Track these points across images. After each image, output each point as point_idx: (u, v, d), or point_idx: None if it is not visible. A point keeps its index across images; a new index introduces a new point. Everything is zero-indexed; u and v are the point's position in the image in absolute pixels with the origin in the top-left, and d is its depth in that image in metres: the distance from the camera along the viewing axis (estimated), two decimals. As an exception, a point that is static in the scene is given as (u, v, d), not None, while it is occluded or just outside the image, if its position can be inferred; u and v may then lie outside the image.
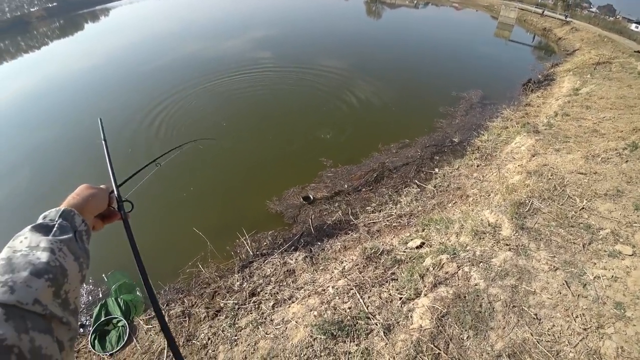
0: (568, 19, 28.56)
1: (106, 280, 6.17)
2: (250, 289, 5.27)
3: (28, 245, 0.82)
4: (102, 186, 1.23)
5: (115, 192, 1.32)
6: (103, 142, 1.69)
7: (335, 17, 24.63)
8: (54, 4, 34.03)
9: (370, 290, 4.14)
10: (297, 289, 4.90)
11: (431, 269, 4.23)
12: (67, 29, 28.63)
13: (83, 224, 0.99)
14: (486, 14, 37.72)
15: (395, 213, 6.74)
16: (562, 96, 13.11)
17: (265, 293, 5.03)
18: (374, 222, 6.67)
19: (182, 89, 13.07)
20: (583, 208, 5.47)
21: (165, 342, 4.76)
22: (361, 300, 3.97)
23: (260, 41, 18.65)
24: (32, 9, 32.37)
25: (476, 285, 3.90)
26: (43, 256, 0.80)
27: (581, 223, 5.11)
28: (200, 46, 17.99)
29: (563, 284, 4.04)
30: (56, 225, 0.91)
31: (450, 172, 8.46)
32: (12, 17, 30.12)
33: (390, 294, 3.99)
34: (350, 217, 6.96)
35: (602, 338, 3.39)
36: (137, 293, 6.00)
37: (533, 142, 8.88)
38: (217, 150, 9.44)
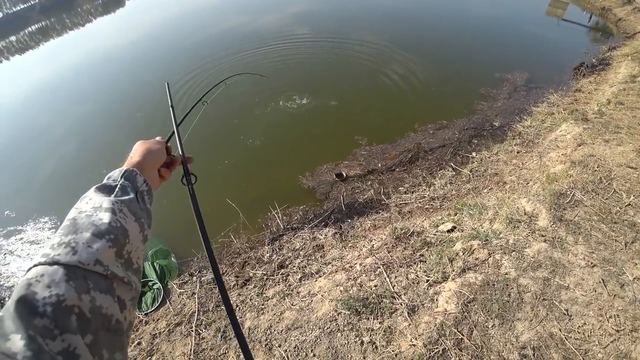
0: (631, -2, 26.12)
1: (143, 246, 6.61)
2: (279, 261, 5.43)
3: (93, 206, 0.85)
4: (157, 138, 1.27)
5: (180, 151, 1.37)
6: (170, 107, 1.76)
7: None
8: None
9: (398, 270, 4.17)
10: (325, 264, 5.01)
11: (461, 253, 4.19)
12: (109, 5, 29.06)
13: (144, 184, 1.02)
14: (539, -11, 35.15)
15: (428, 195, 6.65)
16: (617, 83, 12.20)
17: (294, 266, 5.18)
18: (405, 203, 6.63)
19: (219, 59, 13.25)
20: (629, 204, 5.18)
21: (198, 306, 5.05)
22: (387, 279, 4.02)
23: (298, 15, 18.32)
24: None
25: (506, 274, 3.84)
26: (105, 217, 0.82)
27: (625, 220, 4.86)
28: (240, 21, 17.90)
29: (599, 282, 3.91)
30: (118, 186, 0.93)
31: (488, 157, 8.18)
32: None
33: (417, 276, 4.01)
34: (382, 196, 6.94)
35: (634, 342, 3.29)
36: (172, 259, 6.33)
37: (580, 130, 8.41)
38: (248, 124, 9.59)
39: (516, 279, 3.79)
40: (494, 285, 3.70)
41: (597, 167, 6.15)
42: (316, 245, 5.75)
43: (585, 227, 4.68)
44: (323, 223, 6.49)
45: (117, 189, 0.93)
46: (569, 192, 5.27)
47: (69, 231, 0.78)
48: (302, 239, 6.06)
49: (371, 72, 12.12)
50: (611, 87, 12.08)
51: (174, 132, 1.50)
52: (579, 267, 4.08)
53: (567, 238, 4.43)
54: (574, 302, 3.66)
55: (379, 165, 7.84)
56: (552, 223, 4.63)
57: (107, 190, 0.92)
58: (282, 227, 6.55)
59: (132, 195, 0.93)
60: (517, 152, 8.34)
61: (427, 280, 3.90)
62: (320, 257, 5.33)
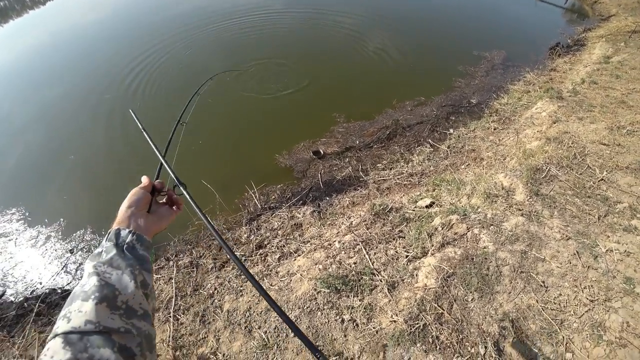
0: (606, -21, 26.51)
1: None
2: (257, 241, 5.30)
3: (86, 275, 0.96)
4: (143, 178, 1.31)
5: (171, 173, 1.43)
6: (143, 131, 1.79)
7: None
8: None
9: (377, 247, 4.11)
10: (304, 242, 4.91)
11: (440, 228, 4.16)
12: None
13: (130, 235, 1.09)
14: (517, -31, 35.22)
15: (406, 171, 6.61)
16: (592, 63, 12.41)
17: (272, 246, 5.05)
18: (384, 180, 6.57)
19: (187, 33, 12.74)
20: (602, 179, 5.28)
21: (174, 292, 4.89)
22: (367, 256, 3.95)
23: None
24: None
25: (485, 248, 3.83)
26: (92, 281, 0.93)
27: (598, 194, 4.95)
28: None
29: (574, 254, 3.96)
30: (103, 250, 1.04)
31: (466, 134, 8.20)
32: None
33: (396, 252, 3.96)
34: (361, 173, 6.85)
35: (608, 311, 3.35)
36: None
37: (555, 108, 8.51)
38: (224, 102, 9.25)
39: (494, 252, 3.79)
40: (473, 259, 3.69)
41: (572, 144, 6.23)
42: (294, 224, 5.63)
43: (561, 201, 4.73)
44: (301, 201, 6.36)
45: (102, 252, 1.03)
46: (544, 167, 5.31)
47: (67, 304, 0.90)
48: (280, 218, 5.92)
49: (349, 48, 11.87)
50: (585, 67, 12.26)
51: (161, 164, 1.55)
52: (555, 239, 4.12)
53: (543, 212, 4.46)
54: (550, 274, 3.70)
55: (357, 142, 7.73)
56: (528, 197, 4.66)
57: (95, 257, 1.02)
58: (259, 207, 6.39)
59: (113, 253, 1.02)
60: (494, 129, 8.39)
61: (407, 256, 3.85)
62: (299, 235, 5.22)
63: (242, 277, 4.78)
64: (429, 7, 16.57)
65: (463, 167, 6.92)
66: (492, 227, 4.11)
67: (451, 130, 8.34)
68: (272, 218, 6.03)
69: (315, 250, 4.46)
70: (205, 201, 6.50)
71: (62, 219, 6.65)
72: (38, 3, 22.74)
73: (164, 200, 1.36)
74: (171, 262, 5.53)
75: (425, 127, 8.20)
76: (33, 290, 5.66)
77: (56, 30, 15.81)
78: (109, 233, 1.08)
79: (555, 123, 7.66)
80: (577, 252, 3.98)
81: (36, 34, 15.92)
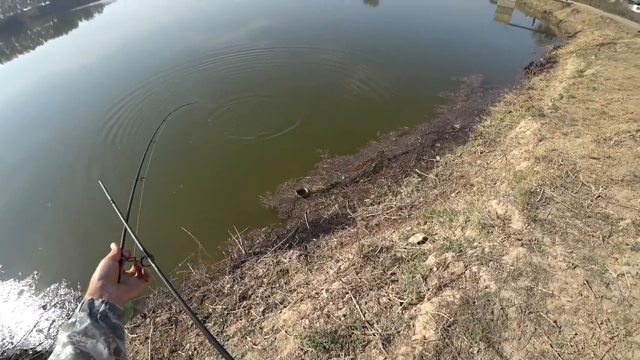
0: (569, 1, 27.81)
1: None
2: (240, 291, 4.87)
3: (60, 344, 0.98)
4: (112, 245, 1.31)
5: (139, 245, 1.40)
6: (112, 203, 1.76)
7: (331, 6, 24.04)
8: (47, 2, 33.22)
9: (368, 294, 3.71)
10: (290, 291, 4.49)
11: (435, 269, 3.79)
12: (61, 27, 28.02)
13: (103, 304, 1.11)
14: (483, -3, 36.78)
15: (395, 205, 6.30)
16: (567, 78, 12.57)
17: (256, 296, 4.62)
18: (372, 216, 6.24)
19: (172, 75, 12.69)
20: (599, 196, 5.02)
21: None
22: (357, 307, 3.55)
23: (257, 30, 18.13)
24: (25, 9, 31.69)
25: (486, 287, 3.47)
26: (67, 350, 0.96)
27: (598, 213, 4.67)
28: (196, 40, 17.40)
29: (584, 283, 3.62)
30: (77, 320, 1.05)
31: (453, 160, 8.00)
32: (6, 18, 29.63)
33: (389, 299, 3.57)
34: (348, 210, 6.53)
35: (630, 348, 2.97)
36: (128, 298, 5.62)
37: (539, 126, 8.41)
38: (205, 144, 9.02)
39: (497, 292, 3.42)
40: (474, 302, 3.31)
41: (562, 161, 6.01)
42: (280, 270, 5.22)
43: (560, 225, 4.43)
44: (287, 245, 5.98)
45: (76, 322, 1.04)
46: (538, 190, 5.05)
47: None
48: (265, 264, 5.51)
49: (330, 84, 11.92)
50: (561, 83, 12.39)
51: (125, 229, 1.54)
52: (561, 269, 3.78)
53: (544, 239, 4.15)
54: (562, 311, 3.33)
55: (343, 177, 7.45)
56: (526, 225, 4.35)
57: (69, 326, 1.03)
58: (243, 252, 5.99)
59: (87, 323, 1.04)
60: (481, 153, 8.21)
61: (401, 304, 3.46)
62: (285, 283, 4.80)
63: (225, 333, 4.34)
64: (405, 40, 16.97)
65: (453, 195, 6.65)
66: (491, 262, 3.76)
67: (438, 158, 8.15)
68: (256, 264, 5.62)
69: (302, 300, 4.04)
70: (186, 250, 6.12)
71: (36, 272, 6.24)
72: (27, 47, 22.99)
73: (132, 269, 1.36)
74: (148, 320, 5.06)
75: (411, 157, 7.98)
76: (4, 351, 5.25)
77: (45, 74, 15.81)
78: (82, 303, 1.11)
79: (541, 141, 7.50)
80: (587, 281, 3.64)
81: (25, 77, 15.91)
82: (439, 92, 11.08)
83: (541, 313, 3.28)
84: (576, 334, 3.13)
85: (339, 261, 4.68)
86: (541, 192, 5.00)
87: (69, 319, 1.07)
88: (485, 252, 3.91)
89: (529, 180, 5.37)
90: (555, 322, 3.20)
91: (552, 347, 3.01)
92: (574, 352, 2.99)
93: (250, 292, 4.91)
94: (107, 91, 12.40)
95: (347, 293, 3.73)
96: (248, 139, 9.13)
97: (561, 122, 8.47)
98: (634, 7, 31.83)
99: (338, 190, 7.14)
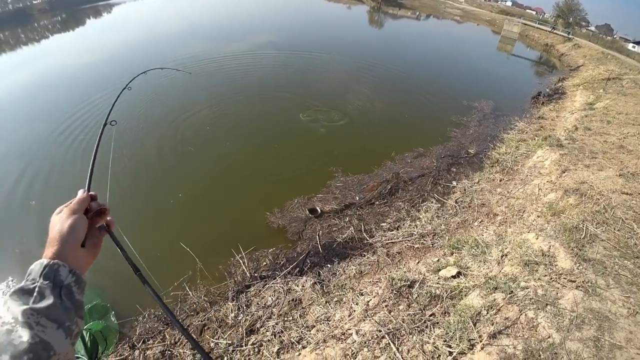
0: (570, 36, 28.46)
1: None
2: (247, 323, 4.30)
3: (12, 317, 0.80)
4: (79, 191, 1.12)
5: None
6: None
7: (339, 27, 24.20)
8: None
9: (408, 339, 3.18)
10: (307, 327, 3.93)
11: (484, 312, 3.30)
12: (69, 23, 27.70)
13: (70, 275, 0.93)
14: (487, 27, 37.64)
15: (417, 232, 5.83)
16: (577, 110, 12.48)
17: (267, 331, 4.05)
18: (392, 242, 5.75)
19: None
20: (643, 235, 4.64)
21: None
22: (399, 354, 3.02)
23: (265, 44, 18.01)
24: (34, 1, 31.38)
25: (549, 338, 2.99)
26: (24, 334, 0.79)
27: (646, 254, 4.27)
28: (200, 48, 17.11)
29: (649, 334, 3.17)
30: (37, 289, 0.87)
31: (471, 186, 7.62)
32: (14, 9, 29.19)
33: (435, 346, 3.05)
34: (364, 234, 6.03)
35: None
36: (112, 318, 4.94)
37: (558, 156, 8.12)
38: (209, 155, 8.46)
39: (562, 343, 2.94)
40: (539, 355, 2.82)
41: (598, 196, 5.64)
42: (292, 300, 4.67)
43: (611, 265, 4.01)
44: (298, 269, 5.43)
45: (35, 294, 0.85)
46: (581, 226, 4.64)
47: None
48: (275, 291, 4.95)
49: (346, 102, 11.60)
50: (572, 114, 12.26)
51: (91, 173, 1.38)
52: (623, 317, 3.33)
53: (598, 281, 3.71)
54: (634, 367, 2.87)
55: (357, 198, 6.98)
56: (576, 264, 3.91)
57: (25, 295, 0.85)
58: (248, 275, 5.41)
59: (51, 300, 0.86)
60: (500, 180, 7.85)
61: (451, 353, 2.95)
62: (300, 317, 4.25)
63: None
64: (416, 66, 17.09)
65: (476, 224, 6.22)
66: (548, 307, 3.29)
67: (454, 183, 7.77)
68: (264, 290, 5.05)
69: (325, 341, 3.49)
70: (183, 267, 5.51)
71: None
72: (33, 40, 22.60)
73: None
74: (137, 352, 4.41)
75: (427, 180, 7.59)
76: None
77: (47, 68, 15.22)
78: (45, 266, 0.90)
79: (564, 172, 7.17)
80: (652, 332, 3.19)
81: (28, 70, 15.30)
82: (452, 116, 10.91)
83: (615, 371, 2.80)
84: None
85: (363, 294, 4.16)
86: (584, 228, 4.59)
87: (26, 280, 0.89)
88: (539, 294, 3.44)
89: (569, 214, 4.97)
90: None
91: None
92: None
93: (258, 325, 4.34)
94: (105, 88, 11.83)
95: (383, 337, 3.20)
96: (254, 150, 8.66)
97: (581, 153, 8.19)
98: (630, 46, 33.01)
99: (352, 212, 6.66)
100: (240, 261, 5.66)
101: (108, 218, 1.17)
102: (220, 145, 8.76)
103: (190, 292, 5.19)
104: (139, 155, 8.16)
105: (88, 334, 4.53)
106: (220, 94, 11.52)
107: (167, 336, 4.53)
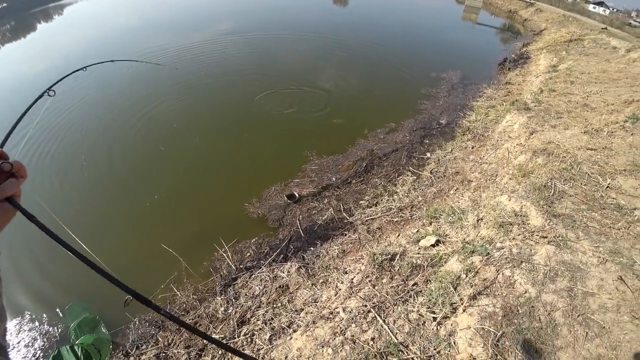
0: (532, 1, 28.83)
1: (62, 316, 4.99)
2: (238, 315, 4.32)
3: None
4: None
5: None
6: None
7: (304, 8, 23.78)
8: (4, 4, 31.05)
9: (393, 311, 3.27)
10: (296, 311, 3.98)
11: (464, 275, 3.42)
12: (19, 30, 26.15)
13: None
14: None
15: (395, 206, 5.93)
16: (542, 73, 12.76)
17: (257, 320, 4.09)
18: (372, 218, 5.83)
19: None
20: (608, 187, 4.84)
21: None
22: (385, 326, 3.10)
23: (225, 31, 17.53)
24: None
25: (525, 293, 3.12)
26: None
27: (611, 204, 4.48)
28: (160, 42, 16.54)
29: (618, 278, 3.35)
30: None
31: (444, 156, 7.76)
32: None
33: (420, 314, 3.15)
34: (344, 214, 6.09)
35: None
36: (103, 329, 4.86)
37: (525, 119, 8.32)
38: (181, 152, 8.29)
39: (538, 296, 3.09)
40: (517, 310, 2.95)
41: (564, 153, 5.84)
42: (279, 287, 4.71)
43: (579, 218, 4.18)
44: (282, 256, 5.46)
45: None
46: (549, 184, 4.80)
47: None
48: (261, 280, 4.98)
49: (310, 85, 11.45)
50: (537, 77, 12.53)
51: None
52: (593, 265, 3.51)
53: (568, 235, 3.88)
54: (605, 309, 3.05)
55: (334, 179, 7.02)
56: (547, 220, 4.07)
57: None
58: (234, 268, 5.41)
59: None
60: (472, 148, 8.01)
61: (435, 318, 3.05)
62: (288, 302, 4.29)
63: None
64: (380, 39, 16.87)
65: (452, 192, 6.36)
66: (523, 264, 3.42)
67: (428, 154, 7.88)
68: (251, 281, 5.07)
69: (314, 323, 3.55)
70: (168, 269, 5.45)
71: None
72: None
73: None
74: (132, 359, 4.39)
75: (402, 154, 7.67)
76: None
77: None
78: None
79: (532, 134, 7.37)
80: (621, 276, 3.37)
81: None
82: (421, 89, 10.96)
83: (588, 314, 2.97)
84: (625, 333, 2.84)
85: (347, 272, 4.23)
86: (553, 185, 4.76)
87: None
88: (514, 252, 3.57)
89: (538, 174, 5.13)
90: (602, 322, 2.90)
91: (607, 349, 2.70)
92: (628, 351, 2.69)
93: (249, 315, 4.37)
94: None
95: (369, 311, 3.28)
96: (226, 141, 8.53)
97: (547, 114, 8.42)
98: (591, 7, 33.76)
99: (330, 193, 6.69)
100: (224, 255, 5.64)
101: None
102: (190, 141, 8.56)
103: (178, 292, 5.16)
104: (102, 165, 7.93)
105: (80, 349, 4.45)
106: (185, 85, 11.24)
107: (160, 339, 4.51)
